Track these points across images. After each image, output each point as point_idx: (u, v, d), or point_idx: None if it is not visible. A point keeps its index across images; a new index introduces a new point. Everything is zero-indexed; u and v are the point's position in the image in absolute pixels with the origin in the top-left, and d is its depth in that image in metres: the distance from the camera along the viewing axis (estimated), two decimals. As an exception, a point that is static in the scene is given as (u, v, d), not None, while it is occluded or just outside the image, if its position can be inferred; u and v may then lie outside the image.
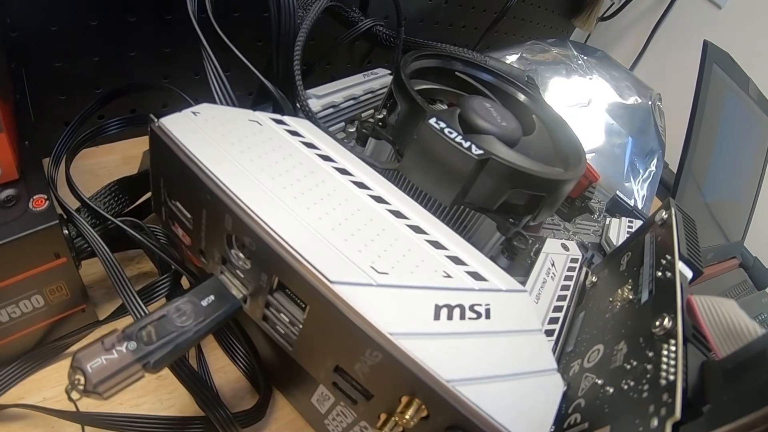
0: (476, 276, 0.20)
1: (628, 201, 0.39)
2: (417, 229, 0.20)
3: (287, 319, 0.19)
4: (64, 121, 0.36)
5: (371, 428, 0.21)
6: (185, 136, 0.20)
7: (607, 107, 0.46)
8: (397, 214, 0.20)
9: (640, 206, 0.44)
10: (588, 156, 0.44)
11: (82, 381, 0.16)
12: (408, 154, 0.25)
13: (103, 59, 0.35)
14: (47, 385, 0.26)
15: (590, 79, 0.47)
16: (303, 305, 0.18)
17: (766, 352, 0.13)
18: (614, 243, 0.33)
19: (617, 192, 0.40)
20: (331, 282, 0.16)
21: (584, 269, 0.29)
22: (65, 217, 0.25)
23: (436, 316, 0.17)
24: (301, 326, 0.19)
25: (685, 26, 0.61)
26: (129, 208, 0.29)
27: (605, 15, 0.65)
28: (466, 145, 0.23)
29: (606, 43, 0.69)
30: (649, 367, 0.17)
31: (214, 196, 0.18)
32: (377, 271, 0.17)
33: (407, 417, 0.16)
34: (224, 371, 0.29)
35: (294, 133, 0.22)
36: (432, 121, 0.24)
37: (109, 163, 0.37)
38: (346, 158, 0.22)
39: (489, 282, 0.20)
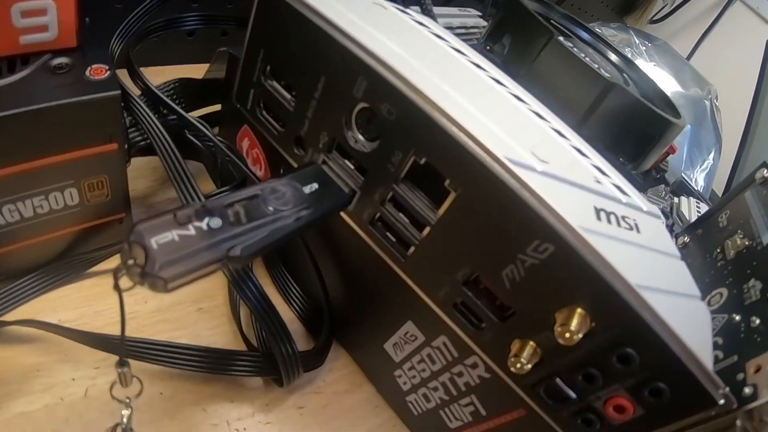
0: (620, 190, 0.17)
1: (693, 185, 0.38)
2: (560, 134, 0.18)
3: (407, 220, 0.17)
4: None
5: (487, 364, 0.18)
6: (306, -2, 0.17)
7: (669, 95, 0.44)
8: (538, 115, 0.18)
9: (700, 196, 0.42)
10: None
11: (141, 260, 0.12)
12: (526, 77, 0.22)
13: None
14: (65, 305, 0.22)
15: (654, 65, 0.46)
16: (440, 195, 0.15)
17: None
18: (687, 217, 0.32)
19: (683, 173, 0.39)
20: (501, 157, 0.13)
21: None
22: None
23: (598, 218, 0.15)
24: (432, 225, 0.16)
25: (735, 36, 0.61)
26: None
27: (655, 17, 0.64)
28: (595, 66, 0.21)
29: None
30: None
31: (348, 53, 0.15)
32: (538, 158, 0.15)
33: (572, 328, 0.13)
34: (275, 311, 0.26)
35: (420, 24, 0.19)
36: (561, 38, 0.21)
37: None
38: (476, 55, 0.19)
39: (632, 198, 0.17)
